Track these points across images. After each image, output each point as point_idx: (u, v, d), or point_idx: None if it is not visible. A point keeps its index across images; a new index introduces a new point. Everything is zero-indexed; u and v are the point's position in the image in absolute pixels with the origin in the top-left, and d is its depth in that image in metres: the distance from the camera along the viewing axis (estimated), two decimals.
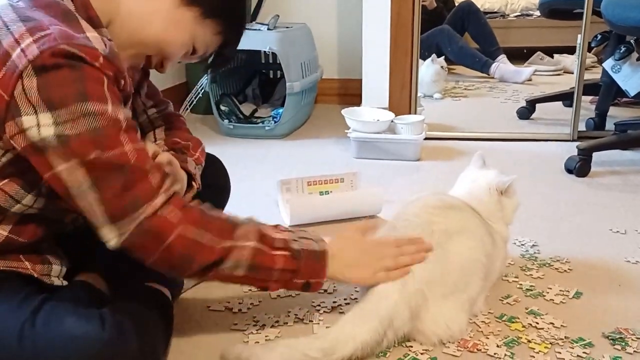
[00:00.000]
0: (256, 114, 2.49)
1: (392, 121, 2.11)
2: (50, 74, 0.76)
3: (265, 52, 2.59)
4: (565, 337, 1.02)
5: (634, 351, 0.98)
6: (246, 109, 2.48)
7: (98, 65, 0.79)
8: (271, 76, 2.71)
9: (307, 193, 1.59)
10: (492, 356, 0.97)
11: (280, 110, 2.35)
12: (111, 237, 0.83)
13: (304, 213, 1.49)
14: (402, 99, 2.35)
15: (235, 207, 1.57)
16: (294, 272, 0.94)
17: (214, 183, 1.22)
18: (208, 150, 1.21)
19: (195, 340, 1.02)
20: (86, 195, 0.80)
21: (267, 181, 1.74)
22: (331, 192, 1.61)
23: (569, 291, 1.17)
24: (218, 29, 0.95)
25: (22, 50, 0.76)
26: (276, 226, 0.99)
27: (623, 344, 1.00)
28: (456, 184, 1.22)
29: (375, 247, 1.03)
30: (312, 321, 1.07)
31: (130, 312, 0.86)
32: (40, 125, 0.77)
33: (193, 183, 1.08)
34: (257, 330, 1.04)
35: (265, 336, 1.02)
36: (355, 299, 1.12)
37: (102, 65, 0.80)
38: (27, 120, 0.77)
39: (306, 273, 0.95)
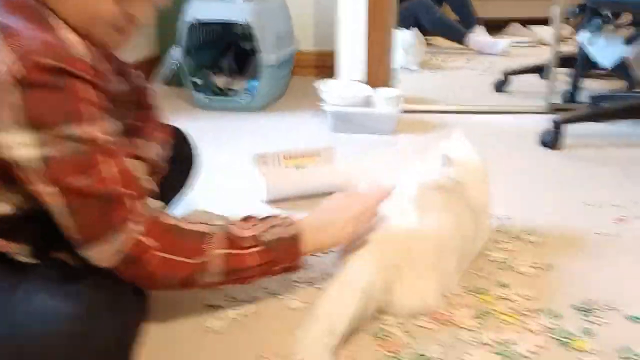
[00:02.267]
0: (231, 87, 2.45)
1: (368, 94, 2.10)
2: (35, 92, 0.75)
3: (240, 24, 2.54)
4: (535, 308, 1.04)
5: (604, 322, 1.00)
6: (221, 82, 2.44)
7: (87, 77, 0.79)
8: (246, 48, 2.67)
9: (284, 167, 1.58)
10: (463, 328, 0.99)
11: (256, 83, 2.32)
12: (91, 259, 0.85)
13: (280, 187, 1.48)
14: (379, 71, 2.33)
15: (212, 182, 1.57)
16: (270, 263, 0.96)
17: (179, 154, 1.20)
18: (183, 124, 1.19)
19: (169, 316, 1.01)
20: (64, 219, 0.82)
21: (244, 154, 1.72)
22: (308, 166, 1.60)
23: (540, 263, 1.19)
24: None
25: (3, 61, 0.74)
26: (247, 219, 0.99)
27: (591, 314, 1.02)
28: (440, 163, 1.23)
29: (352, 206, 1.05)
30: (287, 296, 1.08)
31: (105, 288, 0.85)
32: (22, 144, 0.77)
33: (157, 170, 1.06)
34: (232, 306, 1.04)
35: (242, 313, 1.02)
36: (331, 274, 1.13)
37: (90, 76, 0.79)
38: (8, 138, 0.76)
39: (282, 259, 0.97)
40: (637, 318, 1.02)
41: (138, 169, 0.98)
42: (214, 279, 0.92)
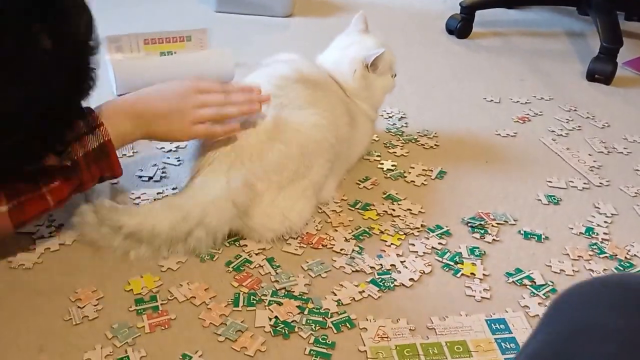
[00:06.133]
0: None
1: None
2: None
3: None
4: (422, 225, 0.90)
5: (493, 239, 0.89)
6: None
7: None
8: None
9: (144, 53, 1.30)
10: (338, 252, 0.84)
11: None
12: None
13: (137, 78, 1.21)
14: None
15: None
16: (78, 186, 0.76)
17: None
18: None
19: None
20: None
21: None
22: (175, 52, 1.34)
23: (432, 170, 1.05)
24: None
25: None
26: None
27: (482, 231, 0.90)
28: (329, 48, 1.03)
29: (193, 93, 0.83)
30: None
31: None
32: None
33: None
34: (50, 232, 0.82)
35: (60, 242, 0.81)
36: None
37: None
38: None
39: (93, 176, 0.77)
40: (530, 234, 0.91)
41: None
42: (8, 231, 0.72)
